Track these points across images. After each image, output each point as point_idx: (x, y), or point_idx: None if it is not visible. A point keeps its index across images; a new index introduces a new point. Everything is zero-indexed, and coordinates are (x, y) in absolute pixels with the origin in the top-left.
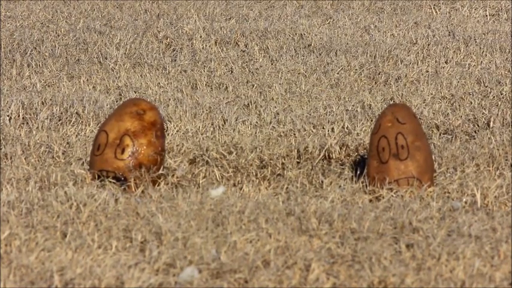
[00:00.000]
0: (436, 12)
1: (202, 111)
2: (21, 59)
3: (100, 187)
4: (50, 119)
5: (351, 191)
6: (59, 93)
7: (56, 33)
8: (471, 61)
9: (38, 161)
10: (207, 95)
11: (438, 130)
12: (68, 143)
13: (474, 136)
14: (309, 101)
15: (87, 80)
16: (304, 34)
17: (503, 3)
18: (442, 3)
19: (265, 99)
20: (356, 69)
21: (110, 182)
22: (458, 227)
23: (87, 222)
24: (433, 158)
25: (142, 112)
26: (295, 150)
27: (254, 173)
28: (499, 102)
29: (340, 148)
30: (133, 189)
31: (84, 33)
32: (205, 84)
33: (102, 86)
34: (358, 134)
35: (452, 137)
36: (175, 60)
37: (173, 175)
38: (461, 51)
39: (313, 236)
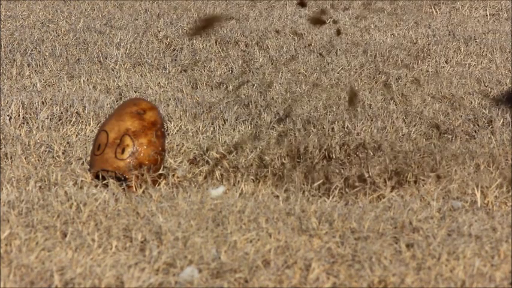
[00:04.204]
0: (436, 12)
1: (203, 111)
2: (22, 58)
3: (100, 187)
4: (50, 119)
5: (351, 191)
6: (59, 92)
7: (56, 32)
8: (471, 61)
9: (38, 160)
10: (207, 95)
11: (438, 130)
12: (68, 142)
13: (474, 136)
14: (309, 100)
15: (87, 79)
16: (304, 34)
17: (503, 3)
18: (442, 3)
19: (265, 98)
20: (356, 69)
21: (110, 181)
22: (459, 227)
23: (87, 222)
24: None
25: (142, 112)
26: (295, 150)
27: (254, 173)
28: (499, 102)
29: (340, 148)
30: (133, 189)
31: (84, 33)
32: (206, 84)
33: (103, 86)
34: (358, 133)
35: (452, 137)
36: (175, 60)
37: (173, 175)
38: (462, 51)
39: (313, 235)
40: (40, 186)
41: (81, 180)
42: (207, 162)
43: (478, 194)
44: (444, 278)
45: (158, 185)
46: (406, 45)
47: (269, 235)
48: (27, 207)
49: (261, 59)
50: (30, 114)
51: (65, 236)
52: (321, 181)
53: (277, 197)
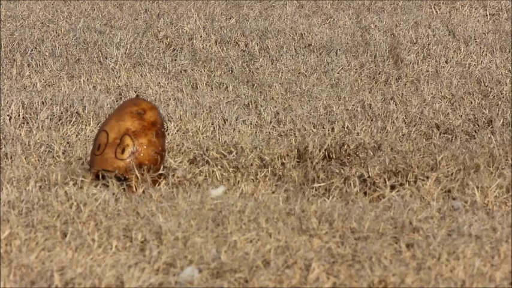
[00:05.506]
0: (436, 11)
1: (203, 111)
2: (22, 58)
3: (100, 187)
4: (50, 119)
5: (351, 191)
6: (59, 92)
7: (56, 32)
8: (471, 61)
9: (38, 160)
10: (207, 95)
11: (438, 130)
12: (68, 142)
13: (474, 136)
14: (309, 100)
15: (88, 79)
16: (304, 34)
17: (503, 3)
18: (442, 3)
19: (266, 98)
20: (356, 69)
21: (110, 181)
22: (459, 227)
23: (87, 222)
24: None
25: (142, 112)
26: (295, 150)
27: (254, 173)
28: (499, 102)
29: (340, 148)
30: (133, 189)
31: (84, 33)
32: (206, 84)
33: (103, 86)
34: (358, 133)
35: (452, 137)
36: (175, 60)
37: (173, 175)
38: (462, 50)
39: (314, 235)
40: (40, 186)
41: (81, 180)
42: (207, 162)
43: (478, 194)
44: (444, 278)
45: (158, 185)
46: (406, 44)
47: (269, 235)
48: (27, 207)
49: (261, 59)
50: (30, 114)
51: (65, 236)
52: (322, 183)
53: (277, 197)
